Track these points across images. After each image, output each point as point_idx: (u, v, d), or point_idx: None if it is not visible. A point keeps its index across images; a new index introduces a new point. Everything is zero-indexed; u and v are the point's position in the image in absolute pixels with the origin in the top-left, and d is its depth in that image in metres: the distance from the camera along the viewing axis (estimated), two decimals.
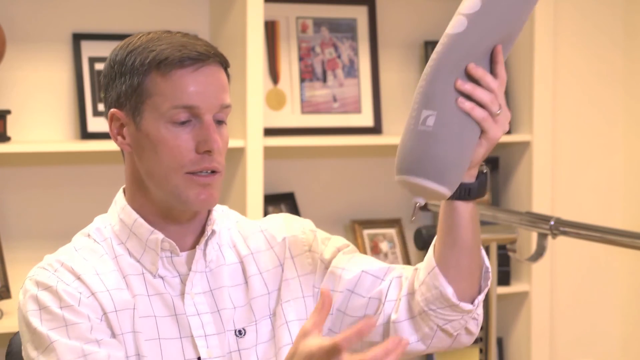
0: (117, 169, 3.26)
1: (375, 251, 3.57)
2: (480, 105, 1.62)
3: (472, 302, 1.76)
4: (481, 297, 1.77)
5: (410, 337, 1.78)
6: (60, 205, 3.24)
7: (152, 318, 1.73)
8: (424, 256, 1.78)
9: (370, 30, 3.58)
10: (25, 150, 3.11)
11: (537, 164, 3.64)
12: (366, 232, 3.57)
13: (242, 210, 3.19)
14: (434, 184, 1.59)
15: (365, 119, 3.55)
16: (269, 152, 3.36)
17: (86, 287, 1.70)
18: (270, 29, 3.46)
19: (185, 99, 1.70)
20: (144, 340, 1.71)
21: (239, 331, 1.78)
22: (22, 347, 1.74)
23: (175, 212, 1.76)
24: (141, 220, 1.76)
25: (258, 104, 3.23)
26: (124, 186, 1.82)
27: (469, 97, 1.61)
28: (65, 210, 3.23)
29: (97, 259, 1.75)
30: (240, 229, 1.87)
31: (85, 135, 3.20)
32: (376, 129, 3.52)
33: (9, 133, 3.11)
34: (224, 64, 1.76)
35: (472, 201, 1.70)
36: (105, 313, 1.70)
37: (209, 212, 1.81)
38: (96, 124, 3.20)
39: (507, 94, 3.72)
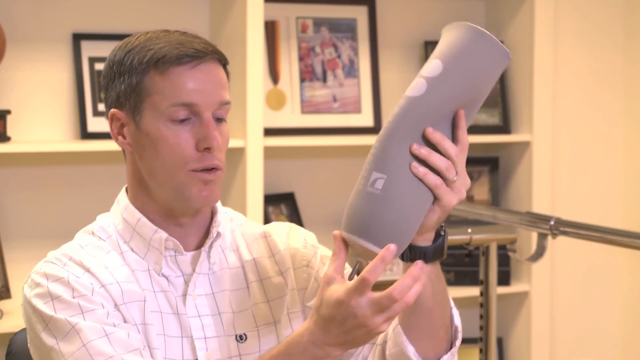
0: (117, 168, 3.27)
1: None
2: (436, 171, 1.57)
3: None
4: (447, 357, 1.74)
5: None
6: (60, 205, 3.24)
7: (159, 313, 1.73)
8: None
9: (370, 30, 3.58)
10: (25, 150, 3.11)
11: (537, 164, 3.64)
12: None
13: (242, 210, 3.19)
14: (377, 248, 1.55)
15: (365, 119, 3.55)
16: (269, 152, 3.36)
17: (96, 279, 1.70)
18: (270, 29, 3.46)
19: (184, 96, 1.70)
20: (155, 334, 1.71)
21: (240, 336, 1.78)
22: (30, 341, 1.73)
23: (177, 211, 1.76)
24: (145, 220, 1.76)
25: (258, 104, 3.23)
26: (126, 185, 1.82)
27: (424, 162, 1.56)
28: (65, 210, 3.23)
29: (104, 255, 1.75)
30: (243, 233, 1.86)
31: (85, 135, 3.20)
32: (376, 129, 3.52)
33: (9, 133, 3.11)
34: (223, 61, 1.76)
35: (430, 264, 1.66)
36: (116, 304, 1.70)
37: (213, 213, 1.81)
38: (96, 124, 3.20)
39: (507, 94, 3.72)
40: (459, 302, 3.41)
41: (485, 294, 2.56)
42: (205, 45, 1.73)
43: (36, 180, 3.22)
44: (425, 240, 1.65)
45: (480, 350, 2.58)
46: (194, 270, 1.77)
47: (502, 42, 3.72)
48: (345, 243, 1.61)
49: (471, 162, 3.73)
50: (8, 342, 1.98)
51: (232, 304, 1.79)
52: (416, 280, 1.54)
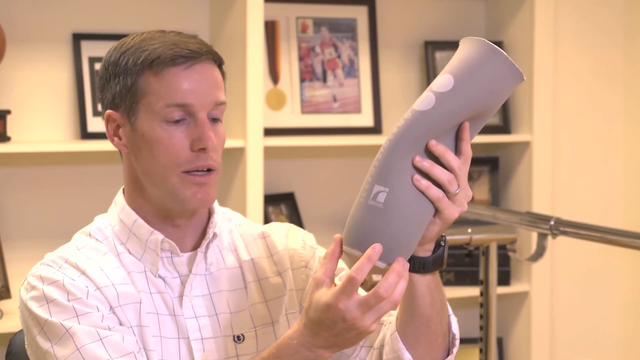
0: (117, 169, 3.26)
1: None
2: (438, 183, 1.57)
3: None
4: None
5: None
6: (60, 205, 3.24)
7: (155, 315, 1.73)
8: None
9: (370, 30, 3.58)
10: (25, 150, 3.11)
11: (537, 164, 3.64)
12: None
13: (242, 210, 3.19)
14: (379, 263, 1.55)
15: (365, 119, 3.55)
16: (269, 152, 3.36)
17: (92, 281, 1.70)
18: (270, 29, 3.46)
19: (179, 97, 1.70)
20: (151, 335, 1.71)
21: (238, 337, 1.78)
22: (27, 343, 1.74)
23: (173, 213, 1.75)
24: (141, 221, 1.76)
25: (258, 104, 3.23)
26: (123, 186, 1.82)
27: (426, 175, 1.56)
28: (65, 210, 3.23)
29: (100, 256, 1.75)
30: (242, 233, 1.86)
31: (85, 135, 3.20)
32: (376, 129, 3.52)
33: (9, 133, 3.11)
34: (218, 61, 1.76)
35: (429, 274, 1.67)
36: (112, 307, 1.70)
37: (210, 214, 1.81)
38: (96, 124, 3.20)
39: None
40: (459, 302, 3.42)
41: (485, 294, 2.56)
42: (200, 46, 1.73)
43: (36, 180, 3.22)
44: (425, 251, 1.65)
45: (480, 350, 2.58)
46: (190, 271, 1.77)
47: (501, 42, 3.74)
48: (341, 249, 1.60)
49: (471, 162, 3.72)
50: (8, 342, 1.98)
51: (230, 305, 1.79)
52: (400, 276, 1.54)
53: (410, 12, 3.68)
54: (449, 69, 1.58)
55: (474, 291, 3.46)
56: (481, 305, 2.57)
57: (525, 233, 3.47)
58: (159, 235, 1.75)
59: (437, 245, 1.66)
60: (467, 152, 1.61)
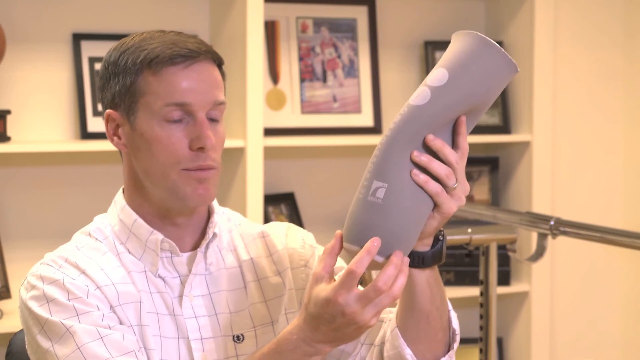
0: (117, 169, 3.26)
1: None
2: (436, 178, 1.57)
3: None
4: None
5: None
6: (60, 205, 3.24)
7: (155, 315, 1.73)
8: None
9: (370, 30, 3.58)
10: (25, 150, 3.11)
11: (537, 164, 3.64)
12: None
13: (242, 210, 3.19)
14: (378, 257, 1.55)
15: (365, 119, 3.55)
16: (269, 152, 3.36)
17: (92, 280, 1.71)
18: (270, 29, 3.46)
19: (177, 96, 1.70)
20: (151, 335, 1.71)
21: (237, 337, 1.78)
22: (27, 343, 1.74)
23: (173, 211, 1.76)
24: (141, 221, 1.76)
25: (258, 104, 3.23)
26: (123, 186, 1.82)
27: (424, 170, 1.56)
28: (65, 210, 3.23)
29: (100, 256, 1.75)
30: (241, 233, 1.86)
31: (85, 135, 3.20)
32: (376, 129, 3.52)
33: (9, 133, 3.11)
34: (217, 61, 1.76)
35: (428, 268, 1.67)
36: (112, 306, 1.70)
37: (210, 214, 1.81)
38: (96, 124, 3.20)
39: (507, 94, 3.72)
40: (459, 302, 3.42)
41: (485, 294, 2.56)
42: (199, 45, 1.73)
43: (36, 180, 3.22)
44: (424, 246, 1.65)
45: (480, 350, 2.58)
46: (190, 271, 1.77)
47: (501, 42, 3.74)
48: (341, 245, 1.60)
49: (471, 162, 3.73)
50: (8, 342, 1.98)
51: (230, 304, 1.79)
52: (398, 269, 1.54)
53: (410, 12, 3.68)
54: (442, 63, 1.58)
55: (474, 291, 3.46)
56: (481, 305, 2.57)
57: (525, 233, 3.47)
58: (158, 235, 1.75)
59: (436, 240, 1.66)
60: (464, 147, 1.61)
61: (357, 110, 3.55)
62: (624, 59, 3.86)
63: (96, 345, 1.65)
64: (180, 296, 1.76)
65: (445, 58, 1.59)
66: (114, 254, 1.76)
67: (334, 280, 1.58)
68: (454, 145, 1.60)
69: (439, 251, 1.65)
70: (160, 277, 1.76)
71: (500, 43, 3.70)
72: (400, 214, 1.55)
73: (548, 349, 3.70)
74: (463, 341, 3.35)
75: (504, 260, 3.56)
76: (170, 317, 1.74)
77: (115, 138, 1.77)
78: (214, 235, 1.79)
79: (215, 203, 1.81)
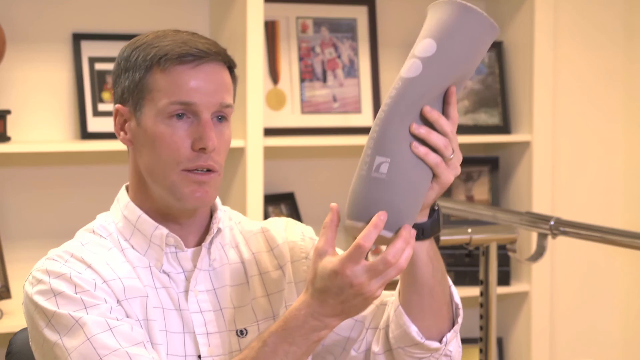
0: (117, 168, 3.27)
1: (376, 251, 3.57)
2: (434, 149, 1.59)
3: (440, 339, 1.75)
4: (450, 335, 1.76)
5: None
6: (60, 205, 3.24)
7: (161, 309, 1.74)
8: None
9: (370, 30, 3.58)
10: (25, 150, 3.11)
11: (537, 164, 3.64)
12: None
13: (242, 210, 3.19)
14: (385, 232, 1.57)
15: (365, 119, 3.55)
16: (269, 152, 3.36)
17: (98, 275, 1.71)
18: (270, 29, 3.46)
19: (183, 95, 1.70)
20: (157, 330, 1.71)
21: (241, 331, 1.78)
22: (31, 338, 1.74)
23: (174, 211, 1.76)
24: (145, 217, 1.76)
25: (258, 104, 3.23)
26: (126, 184, 1.83)
27: (422, 142, 1.59)
28: (65, 210, 3.23)
29: (105, 252, 1.76)
30: (242, 230, 1.87)
31: (85, 135, 3.20)
32: None
33: (9, 133, 3.11)
34: (228, 64, 1.76)
35: (427, 240, 1.69)
36: (119, 300, 1.70)
37: (213, 211, 1.81)
38: (96, 124, 3.20)
39: (507, 94, 3.72)
40: None
41: (485, 294, 2.56)
42: (210, 46, 1.73)
43: (36, 180, 3.22)
44: (423, 217, 1.67)
45: (480, 350, 2.58)
46: (194, 266, 1.77)
47: (501, 42, 3.74)
48: (339, 217, 1.62)
49: (471, 162, 3.73)
50: (8, 342, 1.98)
51: (233, 299, 1.80)
52: (407, 242, 1.57)
53: (410, 12, 3.68)
54: (427, 33, 1.61)
55: (474, 291, 3.46)
56: (481, 305, 2.57)
57: (525, 233, 3.47)
58: (163, 230, 1.75)
59: (431, 211, 1.68)
60: (455, 116, 1.62)
61: (357, 110, 3.55)
62: (624, 59, 3.86)
63: (106, 336, 1.65)
64: (186, 291, 1.76)
65: (428, 28, 1.62)
66: (119, 250, 1.76)
67: (337, 253, 1.59)
68: (445, 115, 1.62)
69: (436, 221, 1.68)
70: (164, 272, 1.76)
71: (500, 43, 3.71)
72: (404, 188, 1.57)
73: (548, 349, 3.70)
74: (463, 341, 3.35)
75: (504, 260, 3.56)
76: (176, 312, 1.75)
77: (122, 133, 1.77)
78: (218, 230, 1.80)
79: (218, 200, 1.82)
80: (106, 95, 3.22)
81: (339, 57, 3.55)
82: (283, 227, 1.89)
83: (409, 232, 1.57)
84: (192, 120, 1.72)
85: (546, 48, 3.63)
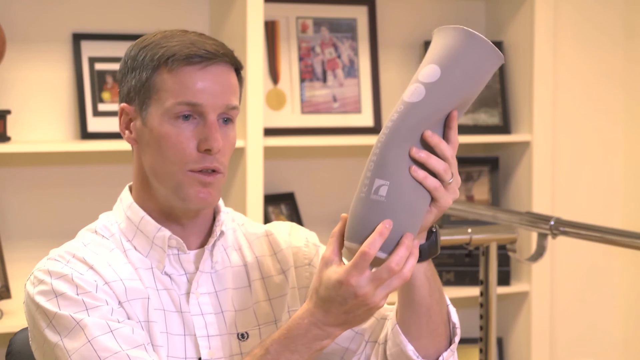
0: (117, 169, 3.27)
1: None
2: (433, 173, 1.59)
3: (437, 358, 1.75)
4: (447, 354, 1.76)
5: None
6: (60, 205, 3.24)
7: (162, 311, 1.74)
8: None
9: (370, 30, 3.58)
10: (25, 150, 3.11)
11: (537, 164, 3.64)
12: None
13: (242, 210, 3.19)
14: (383, 254, 1.57)
15: (365, 119, 3.55)
16: (269, 152, 3.36)
17: (100, 276, 1.71)
18: (270, 29, 3.46)
19: (190, 95, 1.70)
20: (158, 331, 1.71)
21: (242, 335, 1.78)
22: (32, 338, 1.74)
23: (177, 211, 1.76)
24: (148, 218, 1.76)
25: (258, 104, 3.23)
26: (129, 184, 1.83)
27: (422, 165, 1.59)
28: (65, 210, 3.23)
29: (107, 252, 1.75)
30: (245, 232, 1.87)
31: (85, 135, 3.20)
32: (376, 129, 3.52)
33: (9, 133, 3.11)
34: (235, 65, 1.77)
35: (425, 261, 1.69)
36: (120, 302, 1.70)
37: (216, 213, 1.81)
38: (96, 124, 3.20)
39: (507, 94, 3.72)
40: (459, 302, 3.42)
41: (485, 294, 2.56)
42: (217, 48, 1.74)
43: (36, 180, 3.22)
44: (420, 239, 1.67)
45: (480, 350, 2.58)
46: (197, 268, 1.77)
47: (501, 42, 3.74)
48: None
49: (471, 162, 3.73)
50: (8, 342, 1.98)
51: (235, 303, 1.79)
52: (409, 250, 1.57)
53: (410, 12, 3.68)
54: (432, 58, 1.61)
55: (474, 291, 3.46)
56: (481, 305, 2.57)
57: (525, 233, 3.47)
58: (166, 232, 1.75)
59: (429, 233, 1.68)
60: (455, 141, 1.62)
61: (357, 110, 3.55)
62: (624, 59, 3.86)
63: (107, 338, 1.65)
64: (187, 293, 1.76)
65: (433, 53, 1.61)
66: (121, 251, 1.76)
67: (344, 263, 1.60)
68: (446, 139, 1.62)
69: (434, 243, 1.68)
70: (166, 274, 1.76)
71: (500, 43, 3.71)
72: (403, 211, 1.57)
73: (548, 349, 3.70)
74: (463, 341, 3.35)
75: (504, 260, 3.56)
76: (177, 314, 1.75)
77: (127, 132, 1.77)
78: (221, 233, 1.80)
79: (221, 202, 1.82)
80: (106, 95, 3.22)
81: (339, 57, 3.55)
82: (287, 232, 1.89)
83: (410, 240, 1.57)
84: (198, 121, 1.72)
85: (546, 48, 3.63)
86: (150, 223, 1.76)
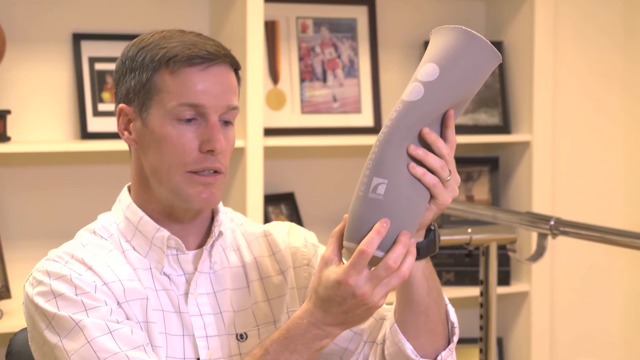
0: (117, 169, 3.27)
1: None
2: (431, 171, 1.60)
3: (435, 358, 1.76)
4: (445, 353, 1.76)
5: None
6: (60, 205, 3.24)
7: (161, 312, 1.74)
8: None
9: (370, 30, 3.58)
10: (25, 150, 3.11)
11: (537, 164, 3.64)
12: None
13: (242, 210, 3.19)
14: (381, 253, 1.58)
15: (365, 119, 3.55)
16: (269, 152, 3.36)
17: (99, 277, 1.71)
18: (270, 29, 3.46)
19: (192, 97, 1.70)
20: (157, 332, 1.71)
21: (241, 335, 1.78)
22: (32, 339, 1.74)
23: (178, 211, 1.76)
24: (147, 218, 1.76)
25: (258, 104, 3.23)
26: (128, 184, 1.83)
27: (420, 163, 1.59)
28: (65, 210, 3.23)
29: (106, 253, 1.76)
30: (244, 232, 1.87)
31: (85, 135, 3.20)
32: (376, 129, 3.52)
33: (9, 133, 3.11)
34: (234, 66, 1.77)
35: (423, 259, 1.69)
36: (119, 302, 1.71)
37: (215, 213, 1.81)
38: (96, 124, 3.20)
39: (507, 94, 3.72)
40: (459, 302, 3.42)
41: (485, 294, 2.56)
42: (218, 48, 1.74)
43: (36, 180, 3.22)
44: (418, 237, 1.67)
45: (480, 350, 2.58)
46: (195, 269, 1.77)
47: (501, 42, 3.74)
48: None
49: (471, 162, 3.73)
50: (8, 342, 1.98)
51: (233, 303, 1.80)
52: (406, 247, 1.57)
53: (410, 12, 3.68)
54: (431, 58, 1.62)
55: (474, 291, 3.46)
56: (481, 305, 2.57)
57: (525, 233, 3.47)
58: (165, 233, 1.75)
59: (428, 231, 1.68)
60: (453, 139, 1.63)
61: (357, 110, 3.55)
62: (624, 59, 3.86)
63: (106, 339, 1.65)
64: (186, 294, 1.76)
65: (432, 53, 1.63)
66: (120, 252, 1.76)
67: (343, 263, 1.60)
68: (443, 138, 1.63)
69: (432, 241, 1.68)
70: (165, 274, 1.76)
71: (500, 43, 3.71)
72: (401, 209, 1.58)
73: (548, 349, 3.70)
74: (463, 341, 3.35)
75: (504, 260, 3.56)
76: (176, 315, 1.75)
77: (126, 133, 1.77)
78: (219, 233, 1.80)
79: (219, 202, 1.82)
80: (106, 95, 3.22)
81: (339, 57, 3.55)
82: (286, 232, 1.89)
83: (407, 238, 1.58)
84: (199, 122, 1.72)
85: (546, 48, 3.63)
86: (149, 223, 1.76)
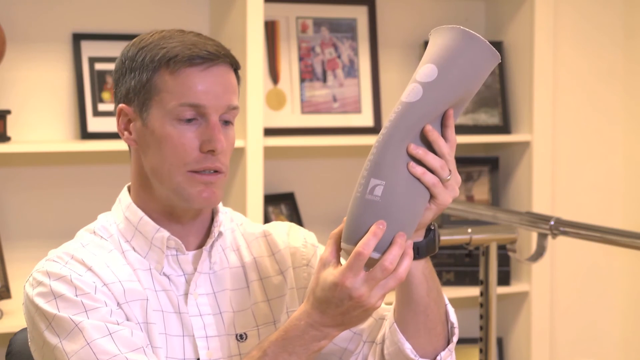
0: (117, 169, 3.27)
1: None
2: (431, 170, 1.60)
3: (434, 358, 1.76)
4: (445, 354, 1.76)
5: None
6: (60, 205, 3.24)
7: (161, 312, 1.74)
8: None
9: (370, 30, 3.58)
10: (25, 150, 3.11)
11: (537, 164, 3.64)
12: None
13: (242, 210, 3.19)
14: (377, 254, 1.57)
15: (365, 119, 3.55)
16: (269, 152, 3.36)
17: (98, 277, 1.71)
18: (270, 29, 3.46)
19: (192, 97, 1.70)
20: (157, 333, 1.71)
21: (240, 335, 1.78)
22: (32, 340, 1.74)
23: (178, 210, 1.76)
24: (147, 219, 1.76)
25: (258, 104, 3.23)
26: (128, 184, 1.83)
27: (420, 163, 1.59)
28: (65, 210, 3.23)
29: (106, 253, 1.75)
30: (243, 232, 1.87)
31: (85, 135, 3.20)
32: (376, 129, 3.52)
33: (9, 133, 3.11)
34: (234, 66, 1.77)
35: (423, 259, 1.69)
36: (119, 303, 1.71)
37: (214, 213, 1.81)
38: (96, 124, 3.20)
39: (507, 94, 3.72)
40: (459, 302, 3.42)
41: (485, 294, 2.56)
42: (218, 49, 1.74)
43: (36, 180, 3.22)
44: (418, 237, 1.67)
45: (480, 350, 2.58)
46: (195, 269, 1.77)
47: (501, 42, 3.74)
48: None
49: (471, 162, 3.73)
50: (8, 342, 1.98)
51: (233, 304, 1.79)
52: (401, 248, 1.57)
53: (410, 12, 3.68)
54: (429, 58, 1.62)
55: (474, 291, 3.46)
56: (481, 305, 2.57)
57: (525, 233, 3.47)
58: (165, 233, 1.75)
59: (427, 231, 1.68)
60: (453, 139, 1.63)
61: (357, 110, 3.55)
62: (624, 59, 3.86)
63: (105, 341, 1.65)
64: (186, 294, 1.76)
65: (431, 53, 1.62)
66: (119, 252, 1.76)
67: (341, 264, 1.60)
68: (444, 137, 1.63)
69: (432, 241, 1.68)
70: (165, 275, 1.76)
71: (500, 43, 3.71)
72: (398, 210, 1.57)
73: (548, 349, 3.70)
74: (463, 341, 3.35)
75: (504, 260, 3.56)
76: (175, 315, 1.75)
77: (126, 133, 1.77)
78: (219, 234, 1.80)
79: (219, 203, 1.82)
80: (106, 95, 3.22)
81: (339, 57, 3.55)
82: (286, 232, 1.89)
83: (403, 239, 1.57)
84: (200, 122, 1.72)
85: (546, 48, 3.63)
86: (149, 224, 1.76)
